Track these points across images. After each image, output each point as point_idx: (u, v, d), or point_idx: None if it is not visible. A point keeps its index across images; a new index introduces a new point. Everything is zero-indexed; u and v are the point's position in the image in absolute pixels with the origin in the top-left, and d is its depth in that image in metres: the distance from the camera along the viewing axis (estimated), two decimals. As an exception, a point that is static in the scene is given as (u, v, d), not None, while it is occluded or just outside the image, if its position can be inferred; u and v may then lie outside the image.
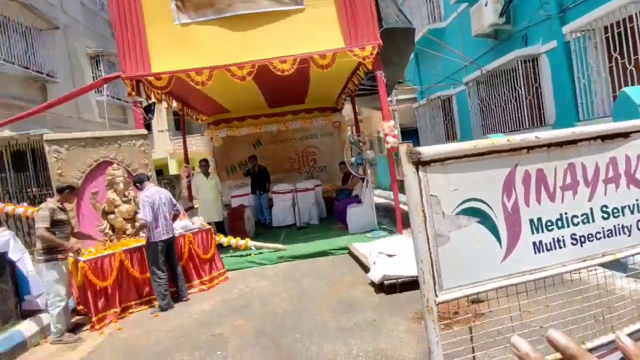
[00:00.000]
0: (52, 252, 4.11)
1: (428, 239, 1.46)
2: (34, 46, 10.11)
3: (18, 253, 4.33)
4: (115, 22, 6.03)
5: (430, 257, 1.46)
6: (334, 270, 5.43)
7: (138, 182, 5.03)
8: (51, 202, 4.28)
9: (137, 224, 5.39)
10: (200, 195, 7.87)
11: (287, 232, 8.42)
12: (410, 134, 17.00)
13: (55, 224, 4.15)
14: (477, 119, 9.52)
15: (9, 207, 6.28)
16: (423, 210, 1.45)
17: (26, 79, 9.87)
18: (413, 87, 14.04)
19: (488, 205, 1.56)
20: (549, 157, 1.65)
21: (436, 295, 1.47)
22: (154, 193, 4.90)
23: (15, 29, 9.62)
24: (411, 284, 4.23)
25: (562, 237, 1.66)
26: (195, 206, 8.50)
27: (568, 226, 1.68)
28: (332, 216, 9.09)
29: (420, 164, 1.46)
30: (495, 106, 8.78)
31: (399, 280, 4.24)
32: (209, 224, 6.94)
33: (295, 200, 9.04)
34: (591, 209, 1.71)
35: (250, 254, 6.50)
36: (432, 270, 1.46)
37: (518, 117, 8.01)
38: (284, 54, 6.12)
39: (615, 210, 1.73)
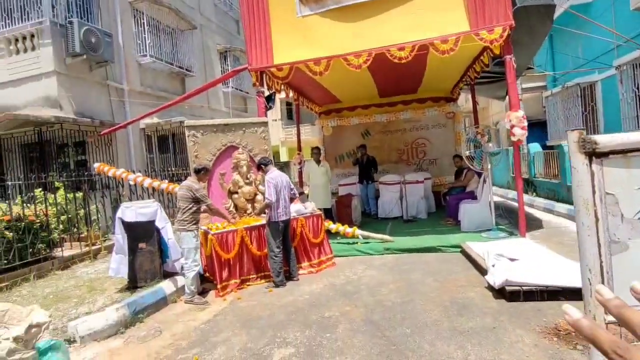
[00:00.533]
0: (193, 223, 4.71)
1: (599, 244, 1.23)
2: (177, 44, 11.60)
3: (162, 222, 5.05)
4: (245, 19, 6.52)
5: (602, 267, 1.23)
6: (445, 267, 5.14)
7: (263, 164, 5.37)
8: (194, 182, 4.88)
9: (256, 205, 5.85)
10: (312, 181, 8.17)
11: (394, 224, 8.26)
12: (535, 127, 15.17)
13: (203, 199, 4.75)
14: (631, 110, 7.99)
15: (156, 183, 7.36)
16: (595, 211, 1.22)
17: (170, 74, 11.40)
18: (542, 73, 12.42)
19: (685, 210, 1.25)
20: None
21: (605, 313, 1.23)
22: (277, 176, 5.21)
23: (164, 31, 11.16)
24: (538, 294, 3.78)
25: None
26: (306, 192, 8.87)
27: None
28: (442, 211, 8.64)
29: (594, 155, 1.23)
30: (656, 95, 7.25)
31: (523, 287, 3.81)
32: (319, 209, 7.20)
33: (403, 192, 8.79)
34: None
35: (357, 242, 6.54)
36: (603, 283, 1.23)
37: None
38: (403, 40, 5.91)
39: None
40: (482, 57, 6.79)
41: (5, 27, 8.28)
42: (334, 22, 6.21)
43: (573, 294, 3.44)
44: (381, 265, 5.57)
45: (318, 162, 8.05)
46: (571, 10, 8.36)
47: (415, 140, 11.17)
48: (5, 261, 5.52)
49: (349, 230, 6.60)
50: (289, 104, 25.11)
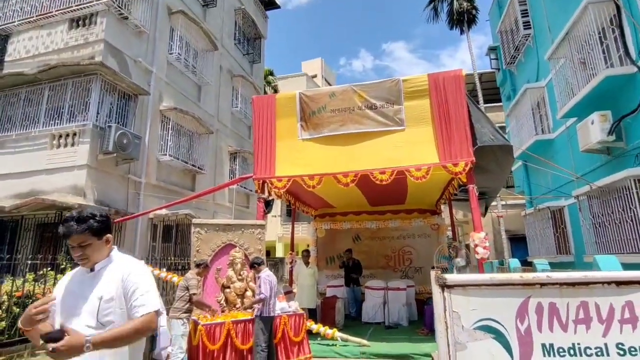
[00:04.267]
0: (184, 312, 5.28)
1: (449, 344, 1.98)
2: (194, 146, 13.18)
3: (160, 309, 5.60)
4: (256, 138, 7.88)
5: (449, 359, 1.96)
6: (413, 375, 5.50)
7: (256, 263, 6.08)
8: (192, 274, 5.59)
9: (245, 300, 6.42)
10: (299, 281, 8.76)
11: (375, 328, 8.59)
12: (518, 242, 16.02)
13: (190, 288, 5.40)
14: (590, 235, 8.90)
15: (156, 271, 7.99)
16: (445, 322, 2.00)
17: (184, 170, 12.75)
18: (517, 195, 13.70)
19: (502, 326, 2.02)
20: (561, 294, 2.06)
21: (452, 391, 1.93)
22: (270, 275, 5.89)
23: (185, 134, 12.82)
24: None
25: (575, 365, 1.97)
26: (294, 290, 9.37)
27: (581, 355, 1.99)
28: (423, 319, 9.01)
29: (445, 286, 2.05)
30: (609, 224, 8.22)
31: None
32: (303, 309, 7.68)
33: (386, 298, 9.28)
34: (606, 344, 2.00)
35: (336, 345, 6.90)
36: (451, 370, 1.94)
37: (636, 238, 7.39)
38: (384, 166, 7.10)
39: (632, 349, 1.98)
40: (453, 183, 7.95)
41: (54, 125, 9.78)
42: (328, 146, 7.50)
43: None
44: (355, 368, 5.91)
45: (307, 263, 8.74)
46: (529, 152, 9.81)
47: (402, 248, 11.93)
48: (7, 336, 5.95)
49: (329, 331, 7.01)
50: (289, 204, 26.42)
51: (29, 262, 7.25)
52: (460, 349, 1.97)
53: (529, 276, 2.06)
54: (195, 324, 5.66)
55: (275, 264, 19.10)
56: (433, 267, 8.57)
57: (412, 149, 7.18)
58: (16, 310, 6.12)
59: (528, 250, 13.46)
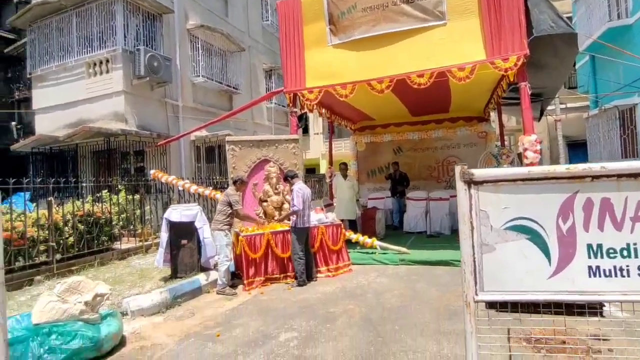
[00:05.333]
0: (227, 224, 5.53)
1: (473, 246, 1.76)
2: (227, 65, 12.82)
3: (201, 223, 5.90)
4: (283, 48, 7.37)
5: (474, 262, 1.76)
6: (451, 279, 5.51)
7: (290, 176, 6.09)
8: (232, 190, 5.71)
9: (283, 212, 6.56)
10: (338, 194, 8.79)
11: (416, 238, 8.64)
12: (577, 148, 14.80)
13: (234, 204, 5.59)
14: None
15: (201, 189, 8.33)
16: (471, 222, 1.76)
17: (219, 91, 12.61)
18: (582, 95, 12.23)
19: (540, 225, 1.75)
20: (619, 187, 1.71)
21: (476, 294, 1.76)
22: (303, 187, 5.91)
23: (216, 53, 12.42)
24: (525, 306, 4.11)
25: (627, 266, 1.70)
26: (334, 204, 9.48)
27: (637, 257, 1.70)
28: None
29: (472, 183, 1.78)
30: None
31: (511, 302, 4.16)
32: (343, 221, 7.79)
33: (428, 208, 9.17)
34: (669, 243, 1.68)
35: (375, 253, 7.04)
36: (475, 273, 1.76)
37: None
38: (422, 67, 6.42)
39: (702, 249, 1.66)
40: (502, 83, 7.12)
41: (87, 53, 9.80)
42: (360, 51, 6.86)
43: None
44: (393, 274, 6.04)
45: (345, 176, 8.66)
46: (599, 41, 8.41)
47: (446, 159, 11.47)
48: (77, 249, 6.65)
49: (368, 241, 7.11)
50: (331, 118, 25.92)
51: (85, 184, 7.80)
52: (487, 251, 1.75)
53: (578, 167, 1.71)
54: (237, 235, 5.93)
55: (320, 180, 19.43)
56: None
57: (454, 46, 6.36)
58: (81, 227, 6.75)
59: (588, 157, 12.40)
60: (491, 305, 4.24)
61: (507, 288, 1.75)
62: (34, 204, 7.79)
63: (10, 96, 14.05)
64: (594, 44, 10.02)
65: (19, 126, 13.33)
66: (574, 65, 12.24)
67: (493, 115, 11.37)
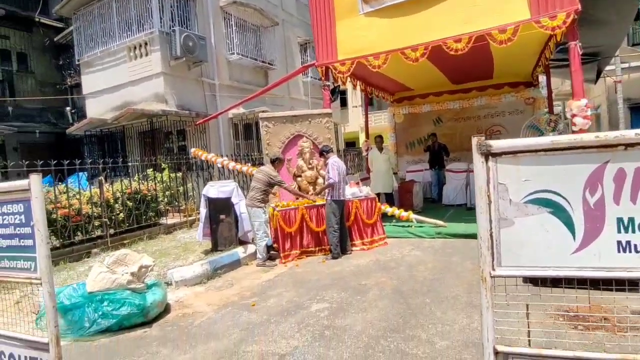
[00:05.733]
0: (264, 201, 5.70)
1: (491, 220, 1.70)
2: (261, 40, 12.80)
3: (237, 198, 6.11)
4: (313, 20, 7.22)
5: (491, 236, 1.70)
6: (488, 253, 5.37)
7: (325, 151, 6.09)
8: (272, 170, 5.84)
9: (317, 187, 6.63)
10: (374, 167, 8.70)
11: (456, 211, 8.43)
12: (640, 111, 13.52)
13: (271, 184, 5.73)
14: None
15: (238, 166, 8.58)
16: (488, 196, 1.69)
17: (254, 68, 12.68)
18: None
19: (564, 198, 1.64)
20: (657, 156, 1.56)
21: (493, 269, 1.71)
22: (338, 161, 5.92)
23: (249, 29, 12.42)
24: (563, 282, 3.93)
25: (663, 241, 1.57)
26: (370, 177, 9.41)
27: (674, 232, 1.56)
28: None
29: (490, 155, 1.69)
30: None
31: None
32: (379, 194, 7.75)
33: (469, 180, 8.85)
34: None
35: (411, 226, 6.97)
36: (492, 248, 1.70)
37: None
38: (459, 32, 6.06)
39: None
40: (549, 44, 6.56)
41: (127, 37, 10.17)
42: (392, 18, 6.58)
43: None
44: (428, 247, 5.98)
45: (381, 149, 8.53)
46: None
47: (490, 128, 10.96)
48: (127, 224, 7.16)
49: (403, 214, 7.04)
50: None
51: (131, 164, 8.28)
52: (505, 225, 1.68)
53: (609, 135, 1.57)
54: (273, 210, 6.10)
55: (359, 154, 19.28)
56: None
57: (493, 5, 5.93)
58: (130, 204, 7.23)
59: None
60: (531, 280, 4.12)
61: (526, 263, 1.68)
62: (89, 184, 8.40)
63: (64, 82, 15.02)
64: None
65: (73, 111, 14.28)
66: (636, 19, 10.97)
67: (542, 79, 10.58)
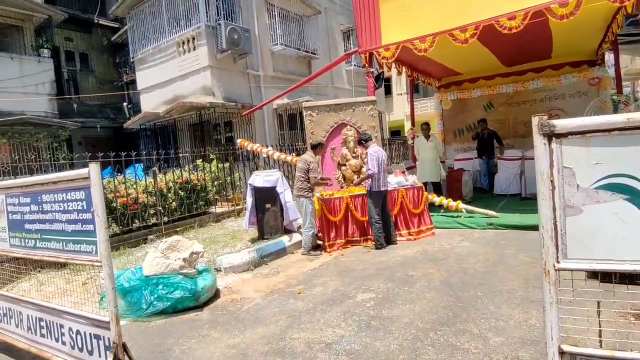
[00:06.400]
0: (311, 190, 5.72)
1: (555, 208, 1.55)
2: (304, 30, 12.77)
3: (282, 188, 6.17)
4: (355, 4, 7.06)
5: (555, 226, 1.55)
6: (546, 245, 5.02)
7: (364, 140, 5.98)
8: (310, 156, 5.83)
9: (361, 176, 6.54)
10: (421, 155, 8.43)
11: (509, 201, 7.98)
12: None
13: (311, 171, 5.74)
14: None
15: (283, 156, 8.67)
16: (551, 181, 1.54)
17: (298, 58, 12.69)
18: None
19: (644, 184, 1.46)
20: None
21: (557, 262, 1.56)
22: (378, 150, 5.79)
23: (292, 19, 12.42)
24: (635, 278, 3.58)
25: None
26: (416, 166, 9.15)
27: None
28: (569, 190, 7.92)
29: (554, 136, 1.54)
30: None
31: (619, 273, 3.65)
32: (426, 183, 7.50)
33: (523, 168, 8.33)
34: None
35: (460, 216, 6.70)
36: (556, 238, 1.55)
37: None
38: (513, 8, 5.65)
39: None
40: (617, 18, 5.94)
41: (176, 33, 10.56)
42: (441, -2, 6.26)
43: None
44: (479, 238, 5.71)
45: (427, 137, 8.24)
46: None
47: (549, 112, 10.14)
48: (179, 213, 7.50)
49: (452, 203, 6.78)
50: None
51: (181, 155, 8.64)
52: (571, 213, 1.52)
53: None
54: (318, 199, 6.10)
55: (404, 143, 18.84)
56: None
57: (554, -24, 5.43)
58: (182, 193, 7.56)
59: None
60: (599, 275, 3.79)
61: (596, 256, 1.52)
62: (145, 174, 8.87)
63: (120, 79, 15.96)
64: None
65: (129, 106, 15.15)
66: None
67: (608, 57, 9.66)
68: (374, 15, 6.91)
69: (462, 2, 6.07)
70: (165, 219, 7.25)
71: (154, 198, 7.00)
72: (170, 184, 7.42)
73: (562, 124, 1.51)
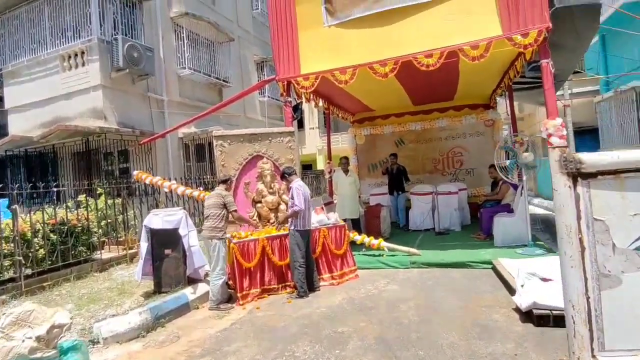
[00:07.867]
0: (224, 230, 4.86)
1: (586, 278, 1.09)
2: (215, 56, 12.04)
3: (185, 229, 5.19)
4: (273, 31, 6.66)
5: (588, 303, 1.08)
6: (473, 285, 4.87)
7: (287, 173, 5.37)
8: (223, 190, 5.04)
9: (279, 215, 5.88)
10: (339, 191, 8.11)
11: (424, 236, 7.98)
12: (586, 135, 14.20)
13: (229, 205, 4.94)
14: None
15: (189, 190, 7.61)
16: (580, 239, 1.09)
17: (208, 85, 11.84)
18: (593, 77, 11.60)
19: (695, 242, 1.08)
20: None
21: (593, 356, 1.08)
22: (303, 185, 5.22)
23: (203, 43, 11.64)
24: (571, 319, 3.47)
25: None
26: (335, 201, 8.80)
27: None
28: (477, 224, 8.24)
29: (580, 175, 1.10)
30: None
31: (553, 312, 3.51)
32: (345, 220, 7.11)
33: (436, 203, 8.50)
34: None
35: (382, 255, 6.38)
36: (590, 322, 1.08)
37: None
38: (431, 47, 5.74)
39: None
40: (516, 63, 6.45)
41: (60, 45, 9.01)
42: (360, 30, 6.18)
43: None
44: (405, 279, 5.39)
45: (346, 172, 7.98)
46: (621, 10, 7.77)
47: (452, 150, 10.81)
48: (50, 262, 5.93)
49: (374, 242, 6.45)
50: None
51: (56, 189, 7.06)
52: (608, 285, 1.08)
53: None
54: (229, 242, 5.24)
55: (317, 177, 18.79)
56: (492, 166, 7.46)
57: (466, 21, 5.69)
58: (53, 237, 6.02)
59: (600, 143, 11.76)
60: (540, 319, 3.61)
61: (644, 345, 1.09)
62: (12, 212, 7.05)
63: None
64: (611, 17, 9.37)
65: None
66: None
67: (499, 101, 10.72)
68: (293, 43, 6.56)
69: (382, 37, 6.03)
70: (29, 271, 5.64)
71: (12, 245, 5.41)
72: (38, 226, 5.87)
73: (590, 159, 1.08)
